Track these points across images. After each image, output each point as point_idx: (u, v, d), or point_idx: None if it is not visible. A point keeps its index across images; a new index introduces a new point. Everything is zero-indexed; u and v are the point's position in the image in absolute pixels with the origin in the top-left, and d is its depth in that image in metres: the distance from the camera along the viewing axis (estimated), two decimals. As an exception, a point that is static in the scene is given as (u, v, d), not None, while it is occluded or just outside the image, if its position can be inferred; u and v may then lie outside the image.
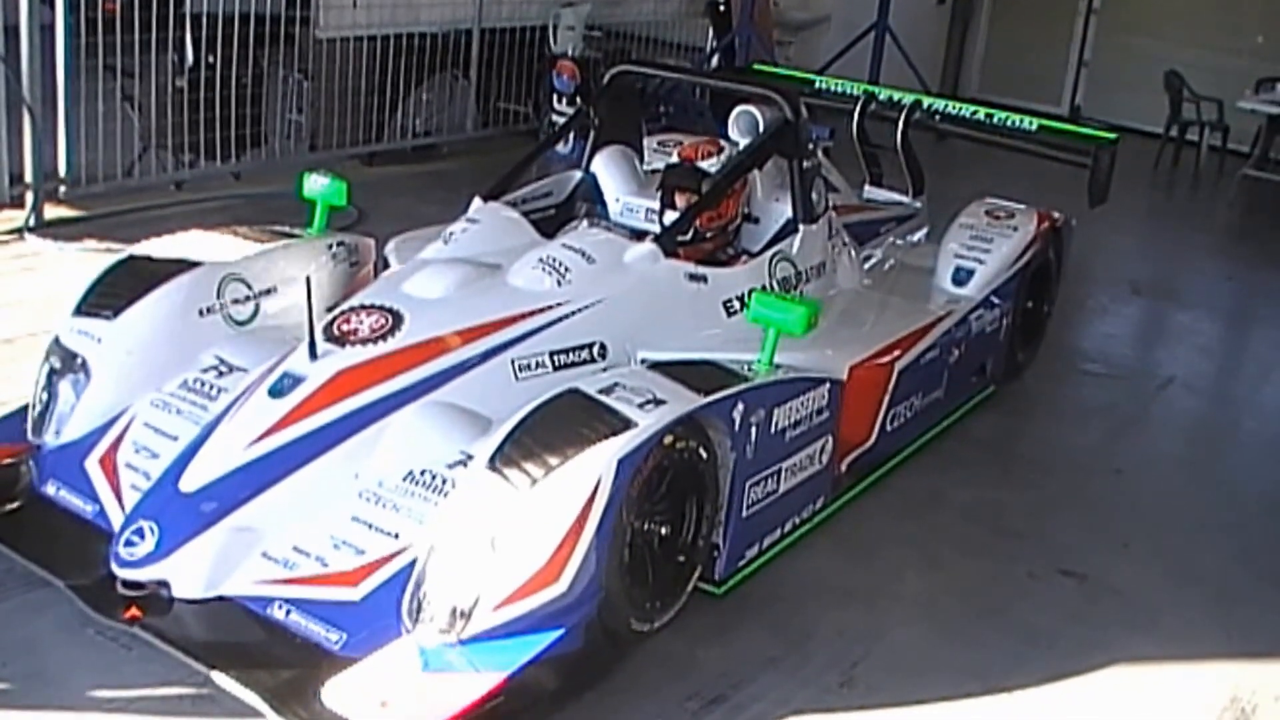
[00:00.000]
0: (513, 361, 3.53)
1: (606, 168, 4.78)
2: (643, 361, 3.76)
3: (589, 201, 4.77)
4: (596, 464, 2.89)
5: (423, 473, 3.21)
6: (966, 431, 4.83)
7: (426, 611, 2.83)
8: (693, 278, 3.99)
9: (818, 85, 6.24)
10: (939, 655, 3.40)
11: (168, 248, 3.92)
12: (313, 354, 3.34)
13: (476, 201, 4.23)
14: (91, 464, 3.41)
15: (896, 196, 5.79)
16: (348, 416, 3.25)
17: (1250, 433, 5.32)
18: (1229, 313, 7.14)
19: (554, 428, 3.00)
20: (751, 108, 4.59)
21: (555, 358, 3.61)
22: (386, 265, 4.39)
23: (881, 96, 6.02)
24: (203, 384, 3.60)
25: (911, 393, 4.35)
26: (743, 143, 4.59)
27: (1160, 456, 4.94)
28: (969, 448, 4.73)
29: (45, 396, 3.55)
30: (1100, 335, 6.31)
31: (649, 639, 3.18)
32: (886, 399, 4.17)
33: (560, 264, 3.78)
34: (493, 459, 2.92)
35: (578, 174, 4.86)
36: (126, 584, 2.99)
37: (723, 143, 4.58)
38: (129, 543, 3.01)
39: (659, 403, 3.10)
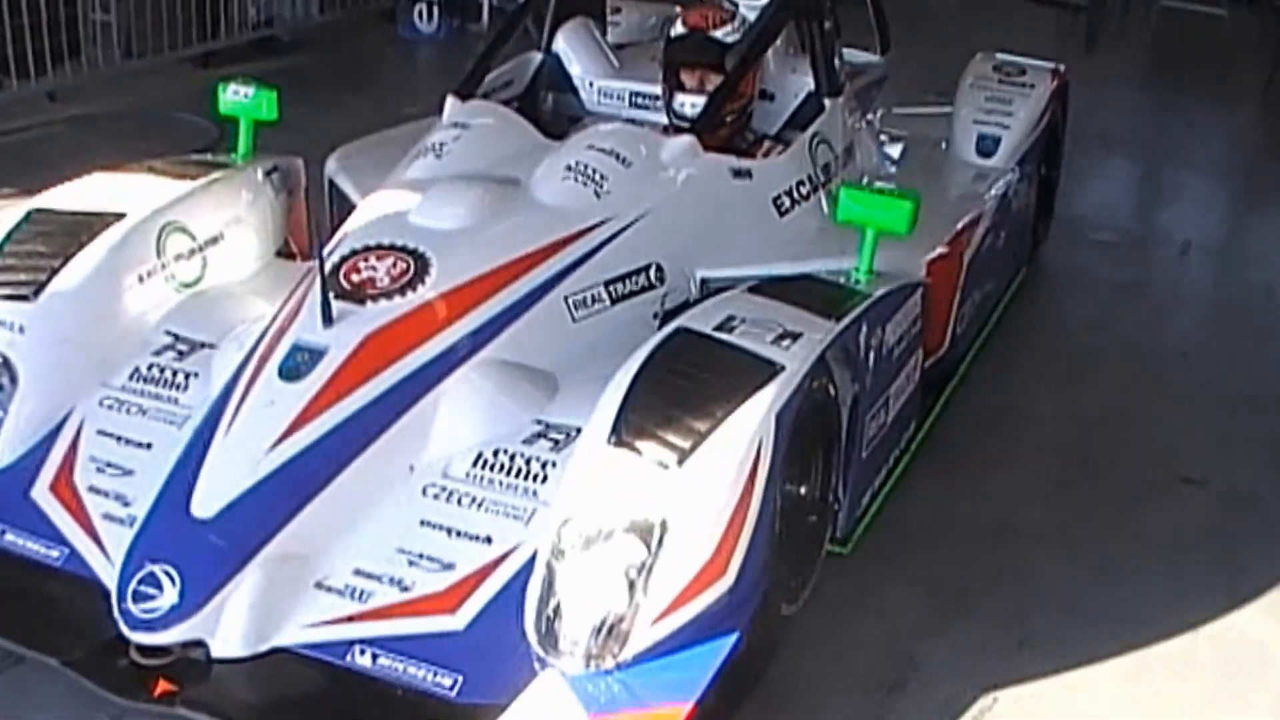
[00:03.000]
0: (566, 299, 3.09)
1: (572, 47, 4.31)
2: (704, 282, 3.39)
3: (555, 90, 4.31)
4: (754, 423, 2.50)
5: (496, 454, 2.75)
6: (1011, 327, 4.61)
7: (563, 634, 2.43)
8: (737, 174, 3.58)
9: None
10: (1099, 594, 3.15)
11: (74, 196, 3.30)
12: (327, 318, 2.82)
13: (452, 101, 3.71)
14: (41, 493, 2.82)
15: (866, 56, 5.47)
16: (387, 395, 2.75)
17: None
18: (1204, 162, 7.07)
19: (684, 383, 2.59)
20: None
21: (611, 288, 3.18)
22: (335, 190, 3.88)
23: None
24: (162, 370, 3.04)
25: (976, 286, 4.08)
26: (746, 3, 4.18)
27: (1218, 332, 4.82)
28: (1019, 346, 4.50)
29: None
30: (1094, 198, 6.13)
31: (795, 624, 2.87)
32: (957, 297, 3.89)
33: (593, 171, 3.31)
34: (617, 431, 2.49)
35: (537, 56, 4.38)
36: (144, 650, 2.49)
37: (728, 5, 4.15)
38: (141, 596, 2.47)
39: (792, 336, 2.71)
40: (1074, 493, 3.62)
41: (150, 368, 3.04)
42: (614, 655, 2.39)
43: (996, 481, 3.63)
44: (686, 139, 3.51)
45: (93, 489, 2.81)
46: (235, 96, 3.69)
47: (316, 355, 2.77)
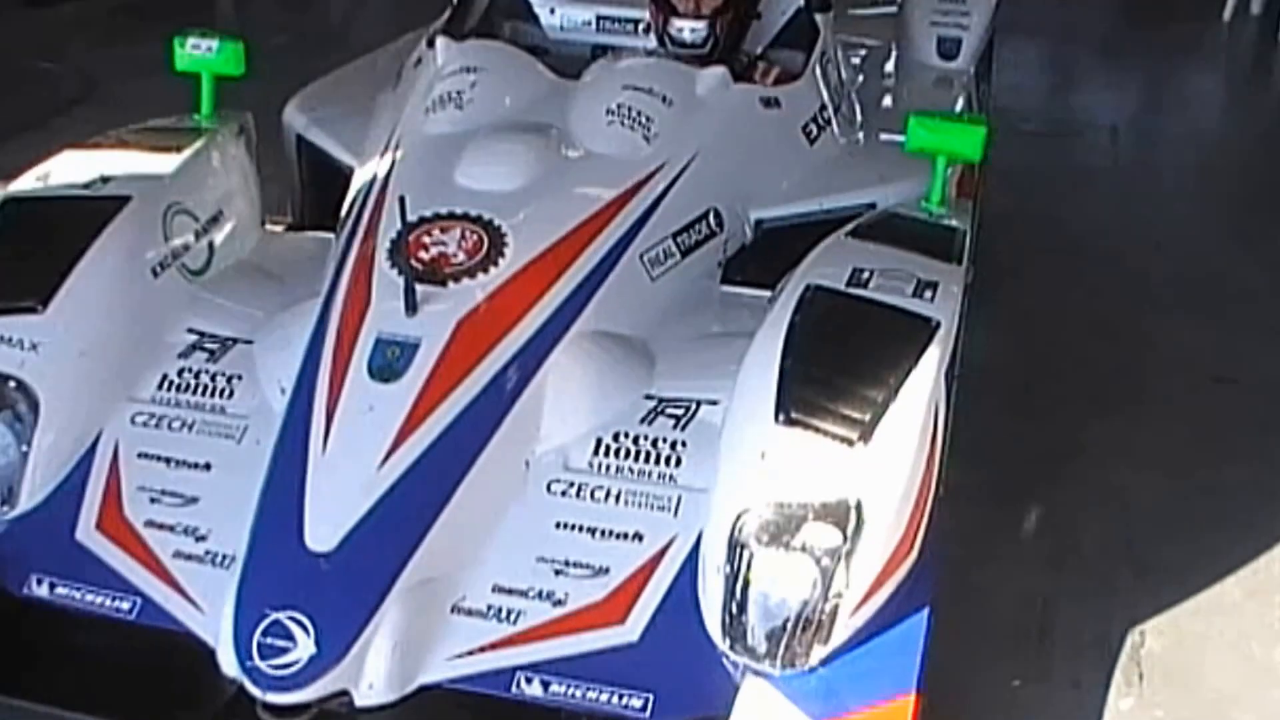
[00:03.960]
0: (641, 257, 2.83)
1: None
2: (759, 223, 3.18)
3: (514, 18, 3.98)
4: (928, 386, 2.31)
5: (617, 438, 2.50)
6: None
7: (757, 634, 2.23)
8: (767, 103, 3.36)
9: None
10: (1188, 508, 3.14)
11: (51, 182, 2.86)
12: (411, 306, 2.52)
13: (446, 41, 3.36)
14: (88, 535, 2.43)
15: None
16: (491, 386, 2.46)
17: (1226, 168, 5.35)
18: (1104, 43, 7.15)
19: (841, 349, 2.39)
20: None
21: (679, 240, 2.93)
22: (306, 146, 3.51)
23: None
24: (196, 375, 2.67)
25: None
26: None
27: (1181, 219, 4.87)
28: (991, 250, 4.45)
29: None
30: (1008, 88, 6.13)
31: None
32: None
33: (638, 113, 3.04)
34: (785, 409, 2.28)
35: None
36: (271, 708, 2.19)
37: None
38: (270, 650, 2.15)
39: (930, 285, 2.53)
40: (1112, 401, 3.59)
41: (181, 373, 2.67)
42: (816, 653, 2.22)
43: (1039, 398, 3.57)
44: (719, 70, 3.25)
45: (152, 524, 2.45)
46: (196, 50, 3.25)
47: (409, 349, 2.46)
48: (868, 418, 2.26)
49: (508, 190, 2.78)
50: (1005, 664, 2.58)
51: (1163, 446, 3.38)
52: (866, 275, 2.54)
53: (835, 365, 2.35)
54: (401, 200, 2.56)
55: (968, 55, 4.50)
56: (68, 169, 2.90)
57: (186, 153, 3.02)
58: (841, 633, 2.21)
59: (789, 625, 2.21)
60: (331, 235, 3.19)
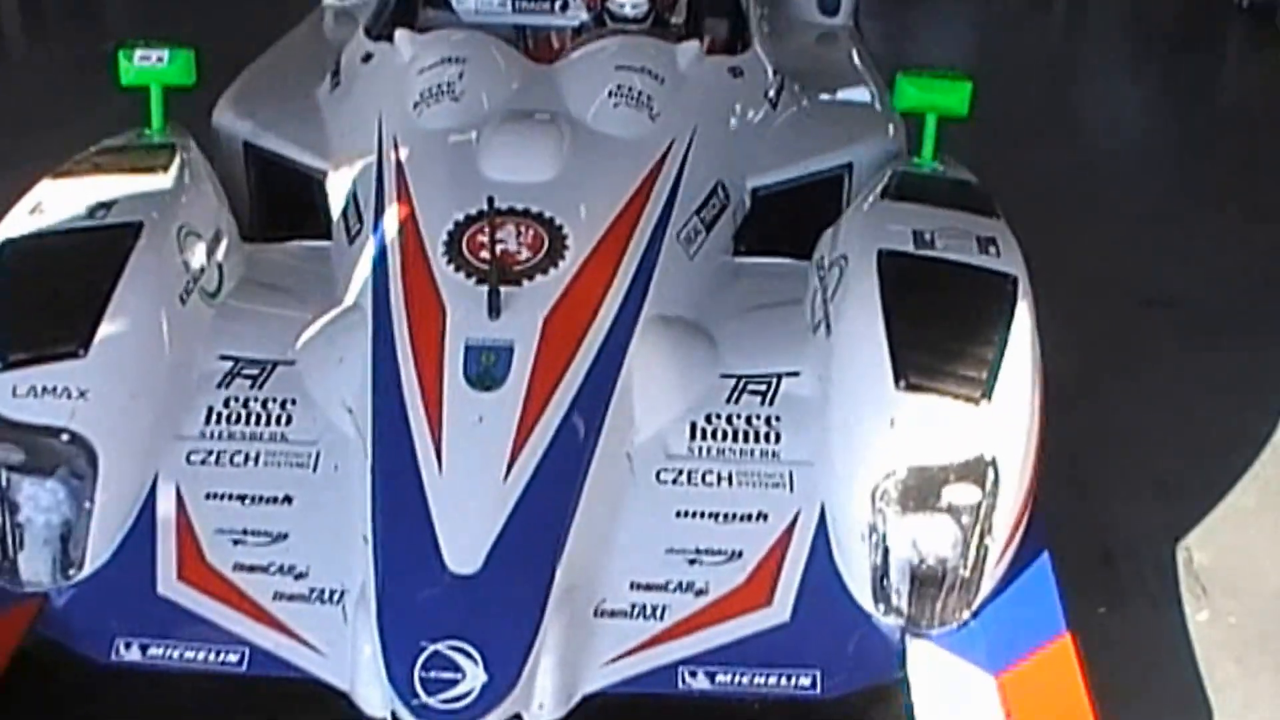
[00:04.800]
0: (678, 236, 2.82)
1: None
2: (754, 191, 3.21)
3: (427, 5, 3.85)
4: (1028, 337, 2.38)
5: (709, 420, 2.48)
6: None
7: (910, 597, 2.25)
8: (734, 73, 3.38)
9: None
10: (1172, 427, 3.31)
11: (43, 216, 2.61)
12: (495, 309, 2.43)
13: (405, 34, 3.22)
14: (171, 588, 2.26)
15: None
16: (587, 383, 2.39)
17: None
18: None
19: (937, 311, 2.43)
20: None
21: (701, 216, 2.92)
22: (254, 152, 3.33)
23: None
24: (245, 404, 2.51)
25: None
26: None
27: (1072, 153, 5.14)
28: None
29: (1, 513, 2.30)
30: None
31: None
32: None
33: (637, 92, 3.00)
34: (903, 374, 2.30)
35: None
36: None
37: None
38: (436, 684, 2.03)
39: (989, 241, 2.61)
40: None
41: (228, 404, 2.51)
42: (969, 607, 2.28)
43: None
44: (694, 44, 3.25)
45: (241, 567, 2.30)
46: (146, 62, 3.05)
47: (503, 353, 2.38)
48: (984, 375, 2.33)
49: (542, 181, 2.71)
50: (1085, 593, 2.70)
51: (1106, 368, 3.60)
52: (929, 236, 2.61)
53: (940, 328, 2.40)
54: (490, 200, 2.47)
55: (847, 10, 4.63)
56: (55, 201, 2.67)
57: (174, 171, 2.83)
58: (988, 585, 2.29)
59: (940, 585, 2.26)
60: (318, 243, 3.06)
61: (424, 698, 2.06)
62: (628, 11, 3.44)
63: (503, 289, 2.44)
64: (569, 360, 2.42)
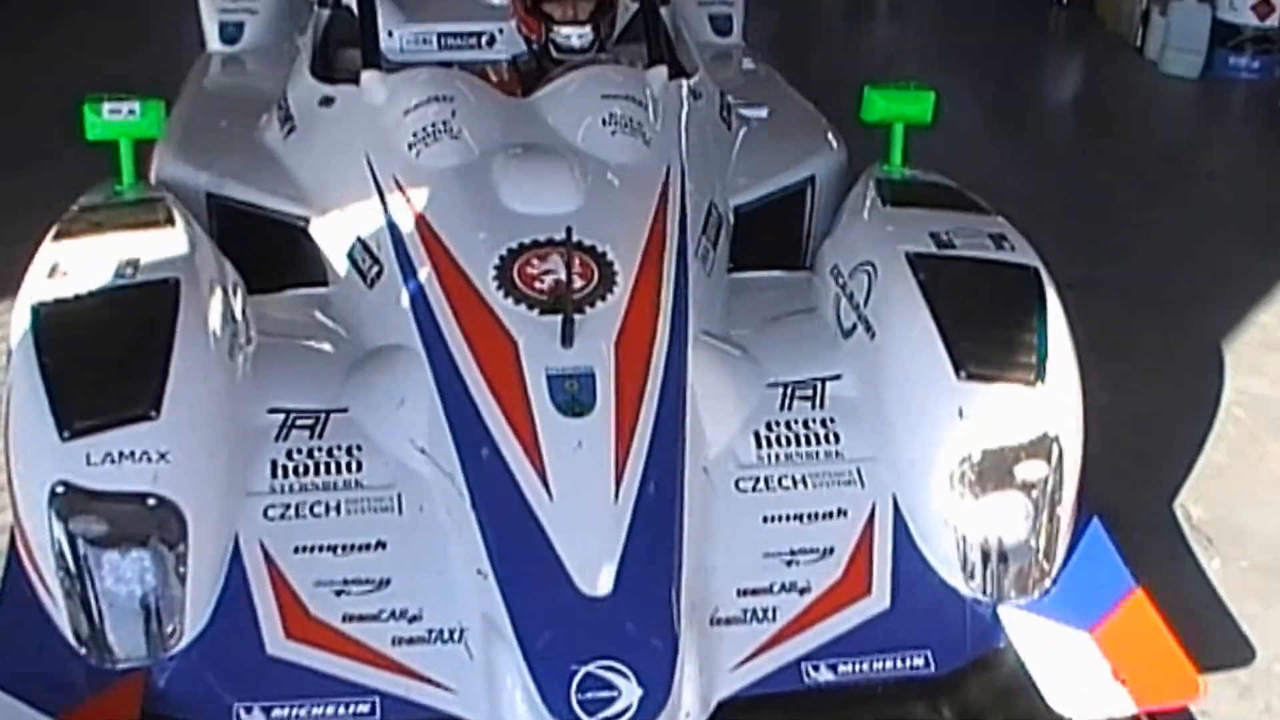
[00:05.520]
0: (696, 255, 2.93)
1: None
2: (737, 208, 3.34)
3: (350, 44, 3.84)
4: (1062, 323, 2.58)
5: (771, 428, 2.59)
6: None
7: (997, 569, 2.40)
8: (695, 95, 3.51)
9: None
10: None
11: (64, 280, 2.54)
12: (568, 338, 2.49)
13: (374, 75, 3.22)
14: (281, 647, 2.24)
15: None
16: (664, 402, 2.46)
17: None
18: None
19: (975, 305, 2.60)
20: None
21: (706, 235, 3.04)
22: (217, 202, 3.29)
23: None
24: (310, 455, 2.49)
25: None
26: None
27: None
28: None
29: (85, 588, 2.23)
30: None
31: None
32: None
33: (629, 118, 3.08)
34: (961, 365, 2.46)
35: (324, 13, 3.92)
36: None
37: None
38: (594, 705, 2.09)
39: (1000, 238, 2.80)
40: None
41: (291, 456, 2.48)
42: (1049, 574, 2.46)
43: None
44: (662, 69, 3.36)
45: (350, 617, 2.29)
46: (116, 115, 2.97)
47: (586, 380, 2.44)
48: (1034, 359, 2.52)
49: (570, 211, 2.77)
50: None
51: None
52: (946, 236, 2.79)
53: (984, 320, 2.59)
54: (569, 230, 2.53)
55: (739, 30, 4.82)
56: (71, 263, 2.59)
57: (179, 225, 2.78)
58: (1061, 552, 2.47)
59: (1022, 556, 2.44)
60: (315, 290, 3.06)
61: (585, 718, 2.12)
62: (574, 43, 3.47)
63: (554, 317, 2.51)
64: (643, 382, 2.49)
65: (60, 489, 2.22)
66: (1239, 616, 2.75)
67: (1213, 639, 2.62)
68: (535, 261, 2.64)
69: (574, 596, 2.21)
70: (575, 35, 3.48)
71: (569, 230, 2.56)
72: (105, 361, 2.39)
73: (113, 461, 2.24)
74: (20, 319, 2.45)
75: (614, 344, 2.52)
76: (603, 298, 2.59)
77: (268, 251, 3.16)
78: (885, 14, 8.58)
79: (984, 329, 2.57)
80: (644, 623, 2.21)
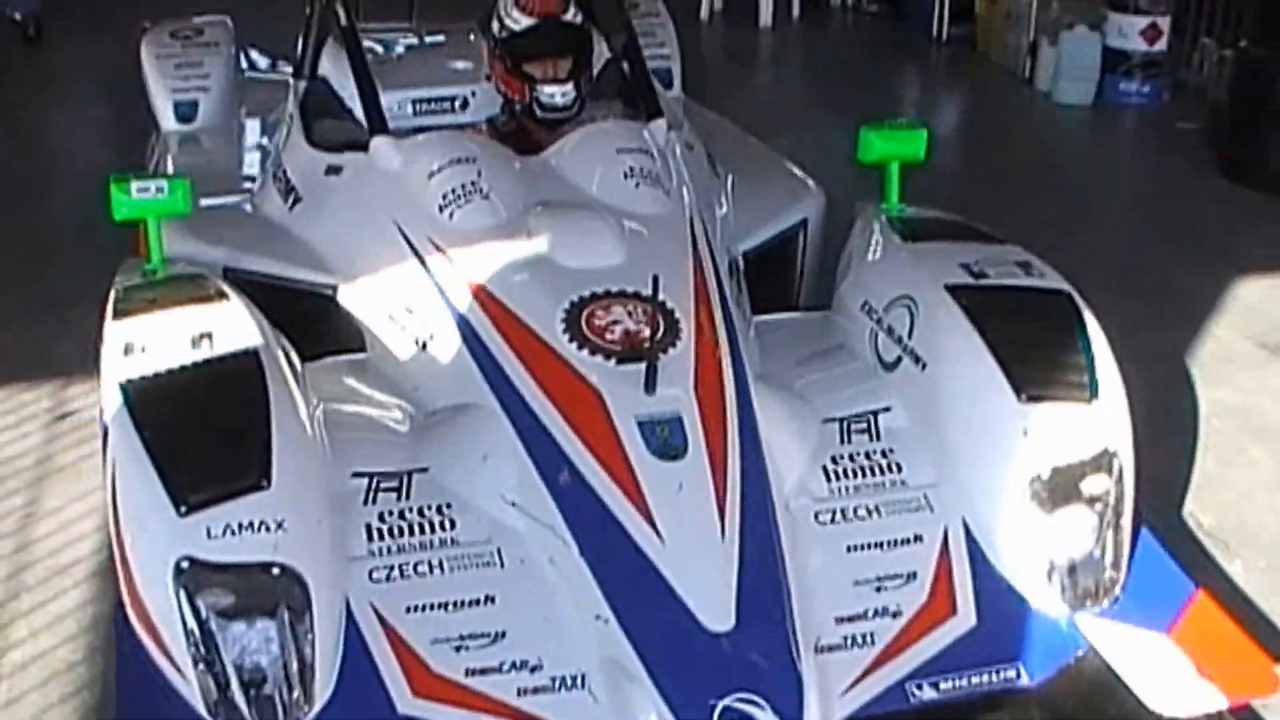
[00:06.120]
0: (733, 300, 3.05)
1: (339, 68, 3.93)
2: (752, 253, 3.48)
3: (329, 115, 3.88)
4: (1104, 342, 2.75)
5: (836, 462, 2.72)
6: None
7: (1076, 581, 2.54)
8: (688, 146, 3.65)
9: None
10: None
11: (142, 359, 2.55)
12: (650, 385, 2.57)
13: (390, 141, 3.27)
14: (411, 705, 2.28)
15: None
16: (745, 442, 2.58)
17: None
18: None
19: (1021, 331, 2.76)
20: None
21: (733, 278, 3.19)
22: (236, 276, 3.29)
23: None
24: (403, 516, 2.54)
25: None
26: None
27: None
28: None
29: (215, 660, 2.24)
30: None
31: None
32: None
33: (647, 171, 3.21)
34: (1021, 388, 2.60)
35: (301, 84, 3.95)
36: None
37: None
38: None
39: (1027, 264, 2.97)
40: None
41: (383, 519, 2.52)
42: (1119, 582, 2.62)
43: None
44: (661, 122, 3.48)
45: (473, 672, 2.33)
46: (145, 194, 2.99)
47: (674, 424, 2.53)
48: (1085, 378, 2.70)
49: (619, 264, 2.87)
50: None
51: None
52: (977, 268, 2.96)
53: (1033, 344, 2.75)
54: (655, 279, 2.63)
55: (678, 83, 4.98)
56: (144, 340, 2.60)
57: (233, 298, 2.81)
58: (1126, 560, 2.65)
59: (1093, 566, 2.60)
60: (353, 356, 3.10)
61: None
62: (557, 101, 3.50)
63: (635, 366, 2.60)
64: (724, 423, 2.60)
65: (185, 564, 2.23)
66: (1271, 613, 2.95)
67: (1253, 636, 2.80)
68: (600, 313, 2.73)
69: (700, 633, 2.30)
70: (559, 94, 3.49)
71: (655, 280, 2.66)
72: (207, 434, 2.41)
73: (233, 533, 2.26)
74: (111, 398, 2.46)
75: (692, 388, 2.62)
76: (673, 344, 2.69)
77: (292, 321, 3.18)
78: (766, 60, 8.81)
79: (1035, 352, 2.73)
80: (769, 653, 2.30)
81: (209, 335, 2.61)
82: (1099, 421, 2.65)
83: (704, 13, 8.67)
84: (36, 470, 3.48)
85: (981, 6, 7.95)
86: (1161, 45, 6.87)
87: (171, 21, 4.87)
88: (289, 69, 4.73)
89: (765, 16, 8.68)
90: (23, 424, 3.69)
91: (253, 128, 4.34)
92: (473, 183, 3.11)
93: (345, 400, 2.89)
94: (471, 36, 4.49)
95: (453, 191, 3.09)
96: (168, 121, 4.50)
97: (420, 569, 2.47)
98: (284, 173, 3.59)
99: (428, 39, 4.55)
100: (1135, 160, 6.62)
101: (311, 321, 3.19)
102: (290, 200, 3.50)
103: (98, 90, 7.03)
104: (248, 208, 3.72)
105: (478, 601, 2.44)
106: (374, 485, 2.59)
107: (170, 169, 4.14)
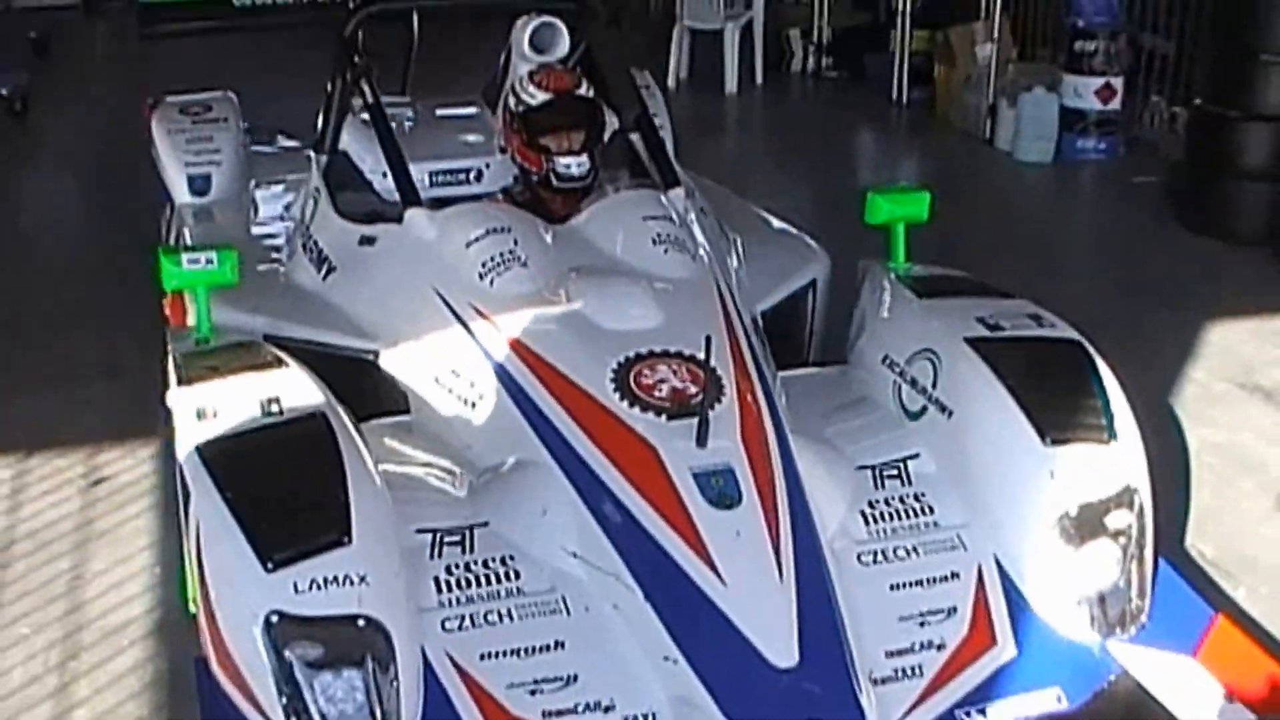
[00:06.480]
0: (763, 357, 3.23)
1: (359, 142, 4.13)
2: (763, 313, 3.65)
3: (349, 188, 4.05)
4: (1117, 386, 2.96)
5: (873, 506, 2.89)
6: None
7: (1105, 611, 2.73)
8: (703, 211, 3.84)
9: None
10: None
11: (211, 423, 2.68)
12: (702, 439, 2.73)
13: (422, 213, 3.43)
14: None
15: None
16: (790, 490, 2.74)
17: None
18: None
19: (1040, 379, 2.95)
20: (548, 18, 4.23)
21: (759, 335, 3.37)
22: (276, 344, 3.41)
23: None
24: (468, 568, 2.67)
25: None
26: (542, 57, 4.22)
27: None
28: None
29: (302, 707, 2.35)
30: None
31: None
32: None
33: (673, 237, 3.38)
34: (1044, 432, 2.78)
35: (322, 158, 4.09)
36: None
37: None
38: None
39: (1038, 317, 3.18)
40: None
41: (449, 571, 2.65)
42: (1145, 610, 2.80)
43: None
44: (679, 190, 3.67)
45: (550, 714, 2.46)
46: (195, 265, 3.11)
47: (727, 475, 2.68)
48: (1103, 421, 2.89)
49: (657, 326, 3.03)
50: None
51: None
52: (992, 321, 3.16)
53: (1052, 390, 2.94)
54: (708, 340, 2.79)
55: (671, 152, 5.14)
56: (213, 406, 2.72)
57: (290, 363, 2.94)
58: (1150, 588, 2.83)
59: (1120, 595, 2.78)
60: (396, 418, 3.23)
61: None
62: (574, 172, 3.61)
63: (685, 421, 2.76)
64: (770, 472, 2.76)
65: (274, 618, 2.35)
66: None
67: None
68: (646, 372, 2.89)
69: (768, 670, 2.44)
70: (574, 164, 3.59)
71: (708, 340, 2.83)
72: (287, 493, 2.54)
73: (319, 588, 2.38)
74: (191, 463, 2.57)
75: (740, 440, 2.78)
76: (718, 400, 2.85)
77: (330, 386, 3.32)
78: (734, 126, 9.06)
79: (1055, 398, 2.92)
80: (833, 687, 2.45)
81: (275, 399, 2.73)
82: (1119, 460, 2.84)
83: (670, 80, 8.88)
84: (77, 535, 3.56)
85: (940, 72, 8.23)
86: (1115, 104, 7.15)
87: (177, 97, 4.98)
88: (291, 142, 4.94)
89: (730, 83, 8.90)
90: (59, 489, 3.77)
91: (264, 199, 4.46)
92: (510, 251, 3.26)
93: (395, 460, 3.01)
94: (475, 109, 4.70)
95: (492, 259, 3.24)
96: (181, 195, 4.61)
97: (490, 618, 2.60)
98: (315, 243, 3.72)
99: (439, 112, 4.71)
100: (1099, 212, 6.90)
101: (351, 386, 3.31)
102: (324, 270, 3.64)
103: (84, 163, 7.14)
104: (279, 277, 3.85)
105: (548, 647, 2.56)
106: (438, 540, 2.72)
107: (188, 240, 4.26)
